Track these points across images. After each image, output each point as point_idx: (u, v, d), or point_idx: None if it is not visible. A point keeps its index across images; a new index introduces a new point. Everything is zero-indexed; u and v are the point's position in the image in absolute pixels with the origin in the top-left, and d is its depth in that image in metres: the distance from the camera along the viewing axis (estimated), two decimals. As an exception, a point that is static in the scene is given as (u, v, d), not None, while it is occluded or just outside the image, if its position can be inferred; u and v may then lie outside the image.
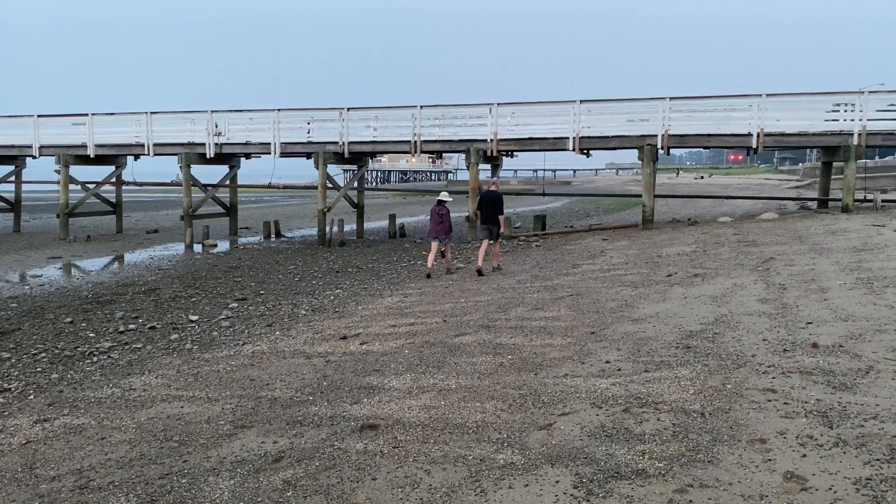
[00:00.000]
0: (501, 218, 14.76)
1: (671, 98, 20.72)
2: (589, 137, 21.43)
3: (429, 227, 15.40)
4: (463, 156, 23.15)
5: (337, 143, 23.66)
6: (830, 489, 3.70)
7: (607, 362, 6.48)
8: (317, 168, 24.02)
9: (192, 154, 25.12)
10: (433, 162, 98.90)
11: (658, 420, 4.87)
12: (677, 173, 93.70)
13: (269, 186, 30.79)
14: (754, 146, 20.34)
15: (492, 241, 14.66)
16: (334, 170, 30.40)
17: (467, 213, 23.47)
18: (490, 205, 14.66)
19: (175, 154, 25.45)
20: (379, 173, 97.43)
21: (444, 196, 15.28)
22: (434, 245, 15.01)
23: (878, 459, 3.98)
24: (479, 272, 14.07)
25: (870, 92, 20.11)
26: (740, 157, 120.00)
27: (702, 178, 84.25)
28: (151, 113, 25.69)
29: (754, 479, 3.89)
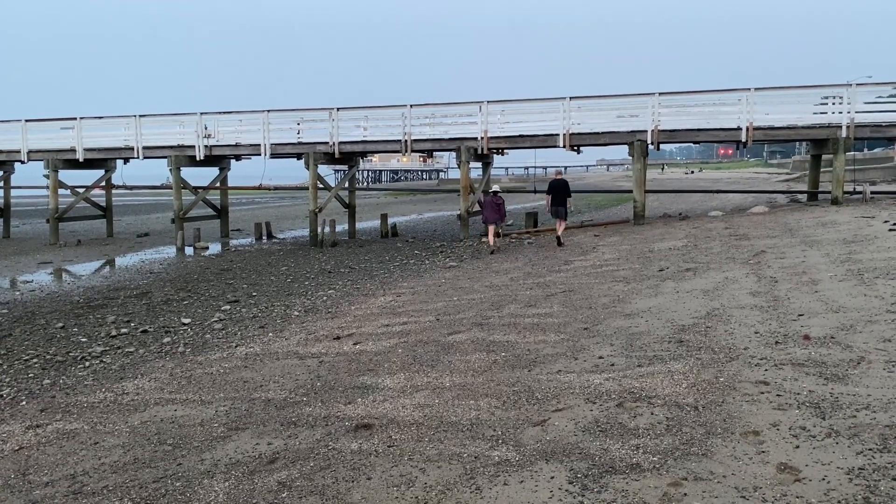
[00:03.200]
0: (570, 199, 18.24)
1: (660, 94, 20.77)
2: (579, 134, 21.46)
3: (485, 215, 18.64)
4: (454, 154, 23.16)
5: (327, 143, 23.62)
6: (823, 479, 3.72)
7: (600, 358, 6.49)
8: (307, 169, 23.97)
9: (182, 156, 25.02)
10: (424, 161, 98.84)
11: (652, 414, 4.88)
12: (662, 169, 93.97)
13: (260, 188, 30.73)
14: (744, 140, 20.43)
15: (561, 220, 18.09)
16: (325, 170, 30.40)
17: (458, 213, 23.47)
18: (559, 190, 18.07)
19: (165, 157, 25.34)
20: (370, 173, 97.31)
21: (496, 188, 19.52)
22: (492, 228, 18.34)
23: (870, 449, 4.00)
24: (560, 243, 17.33)
25: (857, 84, 20.21)
26: (730, 152, 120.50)
27: (692, 172, 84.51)
28: (140, 116, 25.58)
29: (748, 471, 3.91)
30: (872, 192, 20.94)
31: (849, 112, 19.45)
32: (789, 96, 20.84)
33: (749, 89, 20.23)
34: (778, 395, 4.98)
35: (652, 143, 20.91)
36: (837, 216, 15.83)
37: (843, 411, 4.58)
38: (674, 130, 20.92)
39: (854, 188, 22.41)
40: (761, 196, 28.50)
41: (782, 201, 24.79)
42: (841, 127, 19.51)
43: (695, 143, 25.81)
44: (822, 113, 20.03)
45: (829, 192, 20.32)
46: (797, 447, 4.12)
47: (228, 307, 12.70)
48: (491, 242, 18.34)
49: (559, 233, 17.97)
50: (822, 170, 23.41)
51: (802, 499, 3.55)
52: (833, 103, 19.91)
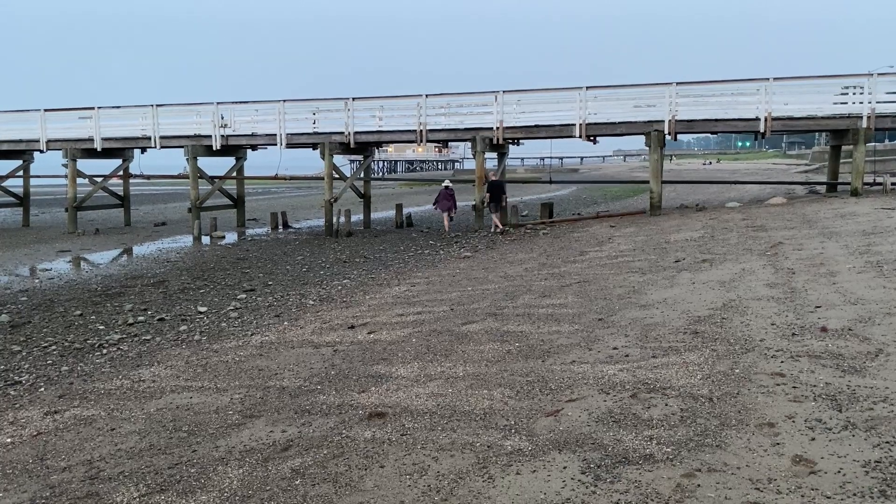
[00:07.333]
0: (504, 196, 22.53)
1: (678, 83, 20.58)
2: (595, 124, 21.31)
3: (439, 204, 23.30)
4: (469, 145, 23.11)
5: (343, 133, 23.62)
6: (839, 472, 3.68)
7: (615, 348, 6.47)
8: (323, 159, 24.01)
9: (199, 146, 25.12)
10: (439, 151, 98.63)
11: (666, 405, 4.86)
12: (671, 159, 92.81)
13: (276, 178, 30.82)
14: (762, 131, 20.21)
15: (498, 213, 21.90)
16: (340, 160, 30.44)
17: (474, 202, 23.43)
18: (498, 189, 22.10)
19: (181, 146, 25.47)
20: (385, 163, 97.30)
21: (447, 182, 24.06)
22: (445, 215, 23.19)
23: (887, 442, 3.95)
24: (503, 232, 20.86)
25: (879, 74, 19.92)
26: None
27: (710, 163, 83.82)
28: (157, 105, 25.72)
29: (763, 463, 3.88)
30: (893, 184, 20.64)
31: (869, 102, 19.19)
32: (809, 86, 20.58)
33: (768, 79, 19.99)
34: (794, 386, 4.94)
35: (669, 134, 20.74)
36: (857, 207, 15.65)
37: (860, 404, 4.53)
38: (691, 121, 20.73)
39: (874, 179, 22.13)
40: (779, 187, 28.22)
41: (801, 192, 24.54)
42: (861, 117, 19.25)
43: (712, 133, 25.59)
44: (842, 103, 19.78)
45: (849, 184, 20.08)
46: (813, 439, 4.09)
47: (244, 296, 12.77)
48: (447, 228, 22.96)
49: (497, 222, 21.55)
50: (841, 161, 23.13)
51: (818, 491, 3.52)
52: (853, 93, 19.64)
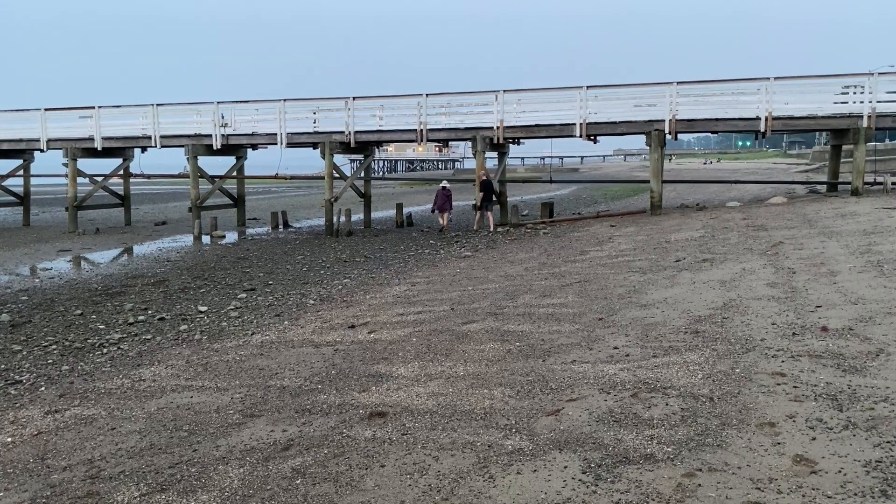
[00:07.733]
0: (494, 195, 22.83)
1: (678, 83, 20.57)
2: (596, 123, 21.30)
3: (437, 204, 23.27)
4: (469, 144, 23.12)
5: (343, 132, 23.61)
6: (840, 472, 3.68)
7: (615, 348, 6.47)
8: (323, 158, 24.00)
9: (199, 145, 25.11)
10: (440, 151, 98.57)
11: (666, 405, 4.85)
12: (670, 159, 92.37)
13: (276, 177, 30.84)
14: (762, 130, 20.21)
15: (489, 211, 22.40)
16: (341, 160, 30.39)
17: (473, 202, 23.46)
18: (489, 188, 22.33)
19: (182, 146, 25.47)
20: (386, 163, 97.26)
21: (445, 183, 24.04)
22: (444, 215, 23.14)
23: (888, 442, 3.95)
24: (496, 230, 21.48)
25: (879, 74, 19.92)
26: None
27: (710, 163, 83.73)
28: (158, 105, 25.71)
29: (763, 462, 3.88)
30: (893, 183, 20.64)
31: (870, 101, 19.19)
32: (809, 85, 20.58)
33: (769, 78, 19.99)
34: (794, 386, 4.94)
35: (669, 133, 20.74)
36: (857, 207, 15.65)
37: (861, 403, 4.53)
38: (692, 120, 20.74)
39: (875, 179, 22.12)
40: (780, 187, 28.22)
41: (801, 192, 24.53)
42: (862, 117, 19.24)
43: (713, 132, 25.58)
44: (842, 102, 19.78)
45: (850, 183, 20.08)
46: (813, 439, 4.09)
47: (245, 295, 12.77)
48: (444, 224, 23.01)
49: (491, 222, 21.94)
50: (842, 160, 23.13)
51: (818, 491, 3.52)
52: (854, 93, 19.64)
